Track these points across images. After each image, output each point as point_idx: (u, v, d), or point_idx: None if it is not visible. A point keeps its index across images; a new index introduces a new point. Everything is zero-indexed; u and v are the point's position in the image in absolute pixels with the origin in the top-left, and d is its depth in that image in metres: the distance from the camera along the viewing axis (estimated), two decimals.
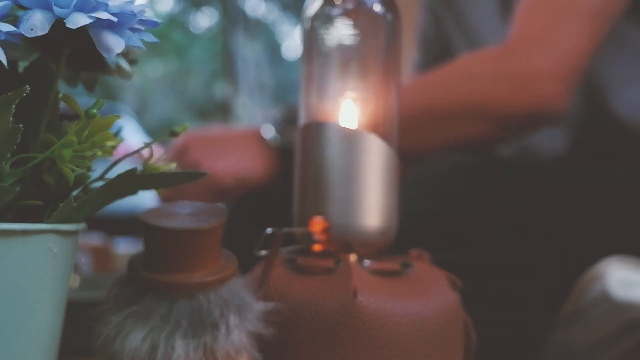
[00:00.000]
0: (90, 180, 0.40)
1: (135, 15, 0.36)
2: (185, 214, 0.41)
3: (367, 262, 0.47)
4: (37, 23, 0.33)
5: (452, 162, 0.79)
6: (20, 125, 0.33)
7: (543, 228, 0.80)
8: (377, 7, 0.51)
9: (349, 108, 0.50)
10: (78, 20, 0.33)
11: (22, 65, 0.39)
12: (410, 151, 0.82)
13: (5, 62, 0.33)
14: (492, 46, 0.89)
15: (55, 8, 0.34)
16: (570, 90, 0.84)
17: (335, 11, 0.51)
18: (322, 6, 0.51)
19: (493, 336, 0.74)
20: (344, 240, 0.47)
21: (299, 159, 0.49)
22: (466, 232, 0.75)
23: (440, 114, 0.84)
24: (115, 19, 0.35)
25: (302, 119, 0.51)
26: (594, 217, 0.85)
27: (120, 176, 0.38)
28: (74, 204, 0.37)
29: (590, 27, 0.85)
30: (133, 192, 0.39)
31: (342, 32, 0.51)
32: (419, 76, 0.89)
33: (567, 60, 0.84)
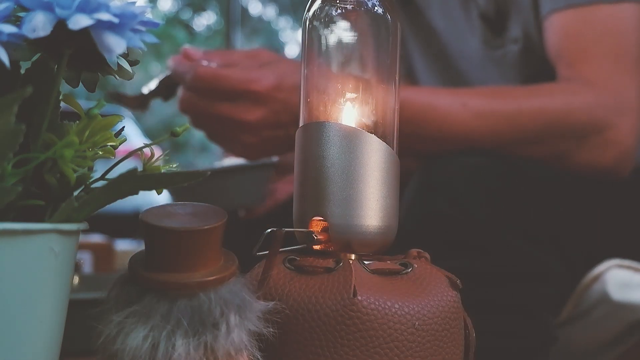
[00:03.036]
0: (91, 180, 0.40)
1: (136, 16, 0.36)
2: (185, 214, 0.41)
3: (366, 262, 0.47)
4: (39, 24, 0.33)
5: (464, 164, 0.79)
6: (23, 126, 0.34)
7: (553, 233, 0.80)
8: (377, 8, 0.51)
9: (348, 108, 0.50)
10: (80, 21, 0.34)
11: (24, 66, 0.39)
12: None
13: (7, 62, 0.33)
14: (582, 87, 0.84)
15: (57, 9, 0.34)
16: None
17: (335, 11, 0.51)
18: (322, 6, 0.51)
19: (502, 343, 0.74)
20: (344, 240, 0.47)
21: (298, 159, 0.49)
22: (477, 238, 0.75)
23: (530, 154, 0.82)
24: (116, 20, 0.35)
25: (302, 119, 0.51)
26: (603, 222, 0.85)
27: (121, 176, 0.38)
28: (75, 204, 0.37)
29: None
30: (134, 192, 0.39)
31: (342, 32, 0.51)
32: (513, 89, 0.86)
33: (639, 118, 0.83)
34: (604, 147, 0.82)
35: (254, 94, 0.78)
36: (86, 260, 1.35)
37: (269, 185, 0.98)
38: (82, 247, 1.26)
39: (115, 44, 0.35)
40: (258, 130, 0.80)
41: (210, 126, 0.83)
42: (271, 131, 0.80)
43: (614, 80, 0.83)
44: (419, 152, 0.83)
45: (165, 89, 0.90)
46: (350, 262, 0.46)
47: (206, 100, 0.80)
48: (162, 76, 0.90)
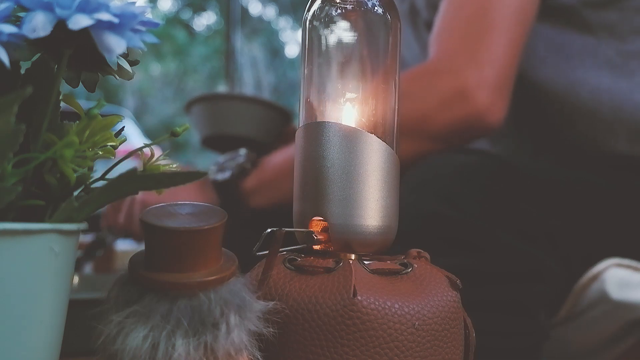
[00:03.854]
0: (91, 180, 0.40)
1: (136, 16, 0.36)
2: (185, 214, 0.41)
3: (366, 262, 0.47)
4: (39, 24, 0.33)
5: (457, 163, 0.79)
6: (23, 126, 0.34)
7: (547, 232, 0.80)
8: (377, 8, 0.51)
9: (349, 108, 0.50)
10: (80, 21, 0.34)
11: (24, 66, 0.39)
12: None
13: (7, 62, 0.33)
14: (419, 64, 0.87)
15: (57, 9, 0.34)
16: (504, 99, 0.84)
17: (335, 11, 0.51)
18: (322, 6, 0.51)
19: (497, 342, 0.74)
20: (344, 240, 0.47)
21: (298, 159, 0.49)
22: (471, 236, 0.75)
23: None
24: (116, 20, 0.35)
25: (302, 119, 0.51)
26: (597, 220, 0.85)
27: (121, 176, 0.38)
28: (75, 204, 0.37)
29: (513, 36, 0.85)
30: (134, 192, 0.39)
31: (342, 32, 0.51)
32: None
33: (497, 69, 0.83)
34: (445, 107, 0.82)
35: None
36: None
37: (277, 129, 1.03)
38: (82, 247, 1.26)
39: (115, 44, 0.35)
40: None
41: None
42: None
43: (459, 45, 0.85)
44: None
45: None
46: (350, 262, 0.46)
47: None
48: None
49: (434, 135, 0.83)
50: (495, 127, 0.84)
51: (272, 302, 0.43)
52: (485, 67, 0.83)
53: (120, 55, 0.41)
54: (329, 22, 0.51)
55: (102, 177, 0.41)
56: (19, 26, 0.34)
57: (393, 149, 0.49)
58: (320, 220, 0.47)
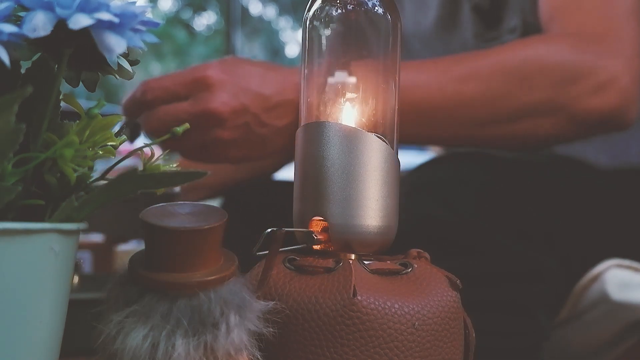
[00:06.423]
0: (91, 179, 0.40)
1: (136, 15, 0.36)
2: (185, 214, 0.41)
3: (366, 262, 0.47)
4: (39, 24, 0.33)
5: (453, 165, 0.79)
6: (23, 125, 0.34)
7: (546, 232, 0.80)
8: (377, 8, 0.51)
9: (348, 108, 0.50)
10: (80, 20, 0.34)
11: (24, 66, 0.39)
12: (482, 144, 0.78)
13: (7, 62, 0.33)
14: (559, 36, 0.82)
15: (57, 9, 0.34)
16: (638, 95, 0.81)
17: (335, 11, 0.51)
18: (322, 6, 0.51)
19: (496, 342, 0.74)
20: (344, 240, 0.47)
21: (298, 159, 0.49)
22: (468, 238, 0.75)
23: (521, 109, 0.78)
24: (116, 20, 0.35)
25: (302, 119, 0.51)
26: (597, 220, 0.85)
27: (121, 176, 0.38)
28: (75, 204, 0.37)
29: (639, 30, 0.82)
30: (134, 191, 0.39)
31: (342, 32, 0.51)
32: (475, 54, 0.80)
33: (637, 63, 0.80)
34: (598, 91, 0.78)
35: (204, 80, 0.73)
36: (86, 260, 1.35)
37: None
38: (82, 246, 1.26)
39: (116, 44, 0.35)
40: (224, 119, 0.72)
41: (181, 139, 0.71)
42: (239, 117, 0.73)
43: (603, 27, 0.81)
44: (425, 141, 0.82)
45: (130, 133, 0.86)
46: (350, 262, 0.46)
47: (163, 109, 0.75)
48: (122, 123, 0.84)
49: (580, 118, 0.79)
50: (631, 124, 0.81)
51: (272, 302, 0.43)
52: (632, 59, 0.79)
53: (121, 55, 0.41)
54: (329, 22, 0.51)
55: (102, 177, 0.41)
56: (19, 25, 0.34)
57: (393, 149, 0.49)
58: (320, 220, 0.47)
